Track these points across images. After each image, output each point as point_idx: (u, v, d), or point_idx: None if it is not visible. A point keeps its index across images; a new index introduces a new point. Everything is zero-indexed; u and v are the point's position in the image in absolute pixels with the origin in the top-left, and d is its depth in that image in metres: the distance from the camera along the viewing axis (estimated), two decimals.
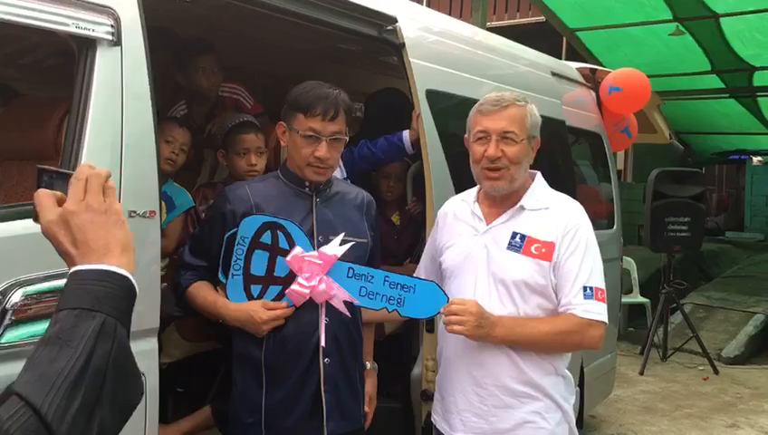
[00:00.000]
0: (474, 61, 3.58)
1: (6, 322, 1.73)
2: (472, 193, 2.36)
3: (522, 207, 2.21)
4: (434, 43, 3.33)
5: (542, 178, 2.31)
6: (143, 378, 2.04)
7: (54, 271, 1.77)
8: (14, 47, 2.94)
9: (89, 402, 0.89)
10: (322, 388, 2.18)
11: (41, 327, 1.79)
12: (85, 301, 0.96)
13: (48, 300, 1.78)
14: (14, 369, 0.96)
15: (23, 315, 1.76)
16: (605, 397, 5.03)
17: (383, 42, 3.04)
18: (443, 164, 3.11)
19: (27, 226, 1.48)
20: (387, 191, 3.62)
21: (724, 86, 9.99)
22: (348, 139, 2.29)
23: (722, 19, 7.89)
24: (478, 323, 2.05)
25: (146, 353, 2.06)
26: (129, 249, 1.04)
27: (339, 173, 2.97)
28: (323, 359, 2.18)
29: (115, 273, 1.00)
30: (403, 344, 3.40)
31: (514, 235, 2.17)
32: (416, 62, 3.05)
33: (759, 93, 10.20)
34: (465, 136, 2.31)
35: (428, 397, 3.12)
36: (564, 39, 9.68)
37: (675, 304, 7.15)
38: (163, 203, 2.76)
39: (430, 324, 3.03)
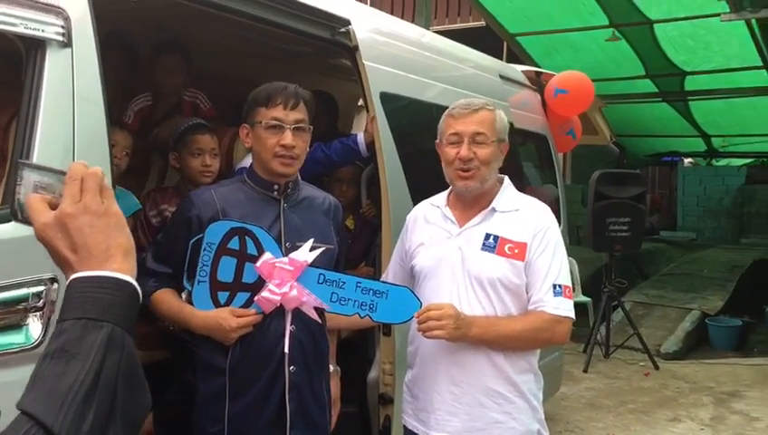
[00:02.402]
0: (424, 63, 3.60)
1: None
2: (442, 197, 2.40)
3: (493, 210, 2.27)
4: (386, 46, 3.34)
5: (509, 182, 2.37)
6: None
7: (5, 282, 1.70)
8: None
9: (101, 418, 0.84)
10: (287, 396, 2.15)
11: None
12: (90, 310, 0.90)
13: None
14: None
15: None
16: (552, 395, 5.10)
17: (336, 44, 3.03)
18: (397, 166, 3.11)
19: None
20: (340, 196, 3.59)
21: (657, 90, 10.28)
22: (311, 129, 2.27)
23: (655, 25, 8.13)
24: (456, 325, 2.09)
25: None
26: (131, 254, 0.98)
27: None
28: (289, 367, 2.15)
29: (119, 279, 0.94)
30: (359, 348, 3.39)
31: (488, 236, 2.23)
32: (369, 64, 3.05)
33: (690, 97, 10.53)
34: (437, 141, 2.36)
35: (386, 400, 3.12)
36: (505, 44, 9.81)
37: (616, 303, 7.33)
38: None
39: (387, 328, 3.03)
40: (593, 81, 5.01)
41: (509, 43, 9.36)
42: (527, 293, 2.22)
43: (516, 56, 9.33)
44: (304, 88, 3.64)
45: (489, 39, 9.26)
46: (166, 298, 2.21)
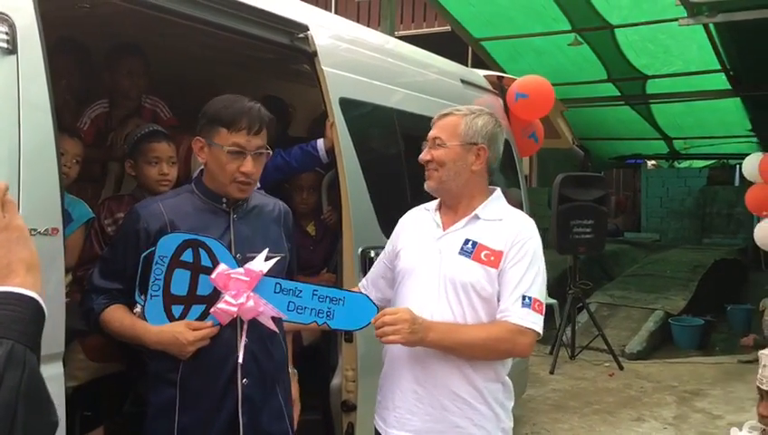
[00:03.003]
0: (385, 69, 3.60)
1: None
2: (434, 203, 2.42)
3: (476, 217, 2.27)
4: (346, 52, 3.32)
5: (501, 194, 2.37)
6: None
7: None
8: None
9: None
10: (240, 410, 2.12)
11: None
12: None
13: None
14: None
15: None
16: (519, 397, 5.10)
17: (295, 50, 3.01)
18: (358, 172, 3.10)
19: None
20: (301, 203, 3.58)
21: (619, 94, 10.43)
22: (270, 153, 2.24)
23: (616, 30, 8.24)
24: (412, 330, 2.07)
25: (51, 379, 1.92)
26: (34, 268, 0.96)
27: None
28: (241, 380, 2.12)
29: (22, 295, 0.91)
30: (321, 355, 3.36)
31: (467, 241, 2.23)
32: (328, 70, 3.03)
33: (651, 101, 10.69)
34: None
35: (349, 407, 3.10)
36: (470, 48, 9.87)
37: (581, 304, 7.40)
38: None
39: (349, 334, 3.02)
40: (557, 85, 5.06)
41: (474, 47, 9.42)
42: (498, 302, 2.20)
43: (482, 61, 9.40)
44: (266, 93, 3.66)
45: (454, 44, 9.31)
46: (117, 315, 2.15)
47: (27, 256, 0.95)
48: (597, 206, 6.94)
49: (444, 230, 2.29)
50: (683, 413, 5.69)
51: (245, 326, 2.12)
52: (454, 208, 2.32)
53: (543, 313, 2.20)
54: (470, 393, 2.21)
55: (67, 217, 2.68)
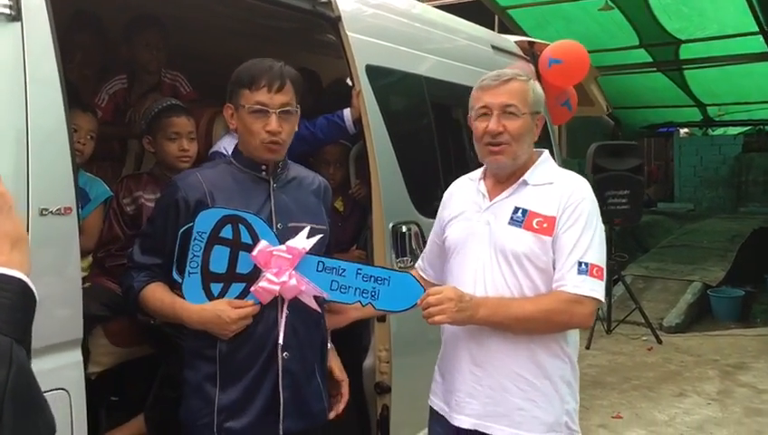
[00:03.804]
0: (413, 35, 3.44)
1: None
2: (479, 171, 2.28)
3: (525, 182, 2.13)
4: (371, 17, 3.18)
5: (549, 156, 2.22)
6: (68, 394, 1.84)
7: None
8: None
9: None
10: (280, 384, 2.04)
11: None
12: None
13: None
14: None
15: None
16: None
17: (317, 15, 2.87)
18: (387, 143, 2.96)
19: None
20: (328, 179, 3.42)
21: (651, 60, 10.15)
22: (299, 111, 2.13)
23: None
24: (459, 308, 1.96)
25: (69, 367, 1.85)
26: (20, 244, 0.80)
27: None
28: (282, 353, 2.03)
29: (4, 275, 0.77)
30: (353, 334, 3.24)
31: (516, 209, 2.09)
32: (353, 36, 2.89)
33: (685, 66, 10.39)
34: (469, 116, 2.21)
35: (383, 389, 2.99)
36: (496, 17, 9.62)
37: (616, 277, 7.21)
38: None
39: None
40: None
41: (500, 16, 9.19)
42: (554, 270, 2.07)
43: (508, 30, 9.15)
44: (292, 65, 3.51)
45: (481, 13, 9.05)
46: (157, 293, 2.06)
47: (10, 230, 0.80)
48: (632, 175, 6.74)
49: (490, 200, 2.15)
50: (726, 388, 5.50)
51: (286, 304, 2.02)
52: (504, 177, 2.17)
53: (604, 278, 2.05)
54: (532, 372, 2.07)
55: (84, 197, 2.60)
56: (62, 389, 1.81)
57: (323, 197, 2.27)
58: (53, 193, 1.81)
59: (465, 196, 2.25)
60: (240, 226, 2.00)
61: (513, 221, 2.08)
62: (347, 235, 3.46)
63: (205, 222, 1.99)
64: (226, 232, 1.99)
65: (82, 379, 1.89)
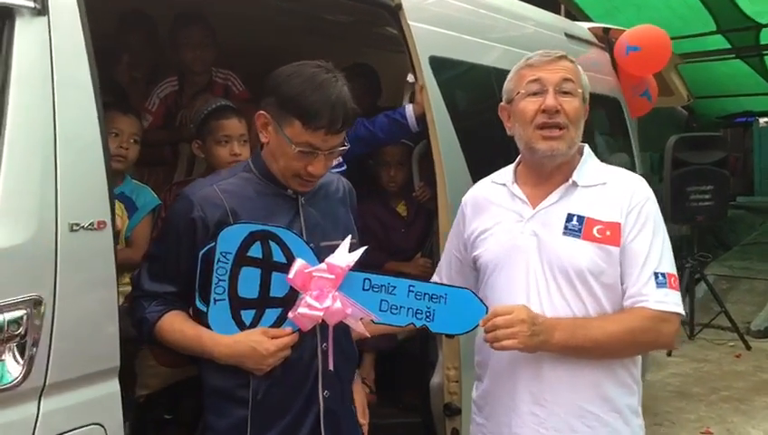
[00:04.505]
0: (479, 23, 3.23)
1: None
2: (507, 172, 1.99)
3: (574, 184, 1.85)
4: (434, 4, 3.00)
5: (591, 151, 1.94)
6: (104, 430, 1.66)
7: None
8: None
9: None
10: (322, 424, 1.81)
11: None
12: None
13: None
14: None
15: None
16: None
17: (376, 5, 2.70)
18: (453, 141, 2.75)
19: None
20: (389, 181, 3.25)
21: (730, 46, 9.64)
22: (348, 147, 1.85)
23: None
24: (532, 332, 1.69)
25: (105, 399, 1.67)
26: None
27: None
28: (323, 392, 1.81)
29: None
30: (419, 350, 3.01)
31: (570, 217, 1.81)
32: (415, 25, 2.69)
33: (766, 52, 9.83)
34: (502, 103, 1.95)
35: (453, 411, 2.74)
36: (562, 6, 9.28)
37: (698, 276, 6.77)
38: (122, 206, 2.36)
39: None
40: None
41: (566, 4, 8.87)
42: (622, 285, 1.80)
43: (574, 19, 8.80)
44: (347, 62, 3.31)
45: (543, 2, 8.74)
46: (176, 325, 1.79)
47: None
48: (717, 169, 6.33)
49: (533, 207, 1.87)
50: None
51: (331, 331, 1.78)
52: (544, 178, 1.89)
53: (680, 288, 1.81)
54: (601, 407, 1.81)
55: (131, 206, 2.45)
56: (97, 424, 1.63)
57: (350, 202, 2.02)
58: (85, 206, 1.62)
59: (495, 203, 1.96)
60: (271, 242, 1.74)
61: (568, 231, 1.81)
62: (411, 241, 3.25)
63: (229, 241, 1.73)
64: (255, 251, 1.74)
65: (120, 414, 1.70)
